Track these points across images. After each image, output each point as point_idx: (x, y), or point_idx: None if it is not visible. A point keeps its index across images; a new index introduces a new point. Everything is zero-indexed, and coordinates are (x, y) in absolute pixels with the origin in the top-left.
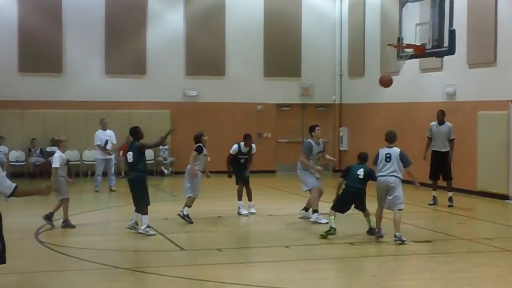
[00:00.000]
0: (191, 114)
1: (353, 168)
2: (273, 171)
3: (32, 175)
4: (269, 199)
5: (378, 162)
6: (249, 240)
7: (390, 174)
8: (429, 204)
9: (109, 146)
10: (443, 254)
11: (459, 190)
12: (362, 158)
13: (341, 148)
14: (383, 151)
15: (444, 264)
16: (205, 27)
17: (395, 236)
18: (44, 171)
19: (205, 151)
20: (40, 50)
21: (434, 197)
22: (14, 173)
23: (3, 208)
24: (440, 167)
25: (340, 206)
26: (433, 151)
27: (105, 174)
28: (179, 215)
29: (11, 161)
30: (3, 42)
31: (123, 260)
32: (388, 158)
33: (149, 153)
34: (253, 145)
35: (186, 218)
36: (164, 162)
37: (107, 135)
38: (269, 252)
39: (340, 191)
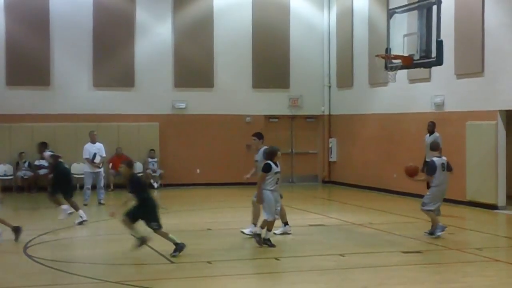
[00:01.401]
0: (180, 126)
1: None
2: None
3: (20, 189)
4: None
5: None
6: (239, 252)
7: None
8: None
9: (97, 159)
10: (433, 264)
11: (448, 200)
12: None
13: (330, 159)
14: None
15: (434, 274)
16: (194, 38)
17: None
18: (32, 185)
19: (276, 169)
20: (28, 63)
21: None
22: (2, 187)
23: None
24: None
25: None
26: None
27: (94, 187)
28: (265, 240)
29: None
30: None
31: (112, 273)
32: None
33: (138, 166)
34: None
35: (268, 242)
36: (153, 174)
37: (96, 148)
38: (259, 264)
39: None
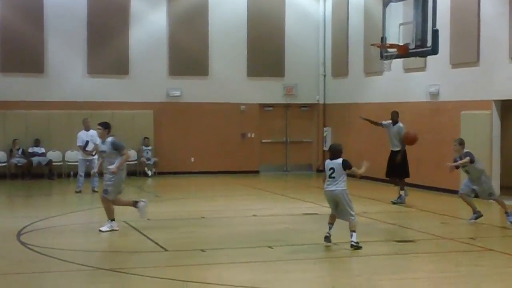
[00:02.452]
0: (174, 114)
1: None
2: (257, 172)
3: (14, 176)
4: (253, 199)
5: None
6: (233, 240)
7: None
8: (393, 202)
9: (90, 147)
10: (426, 254)
11: (443, 190)
12: None
13: (325, 149)
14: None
15: (427, 264)
16: (189, 27)
17: None
18: (26, 172)
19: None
20: (22, 50)
21: (400, 195)
22: None
23: None
24: (394, 165)
25: None
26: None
27: (88, 175)
28: (353, 245)
29: None
30: None
31: (105, 261)
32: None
33: (132, 154)
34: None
35: (359, 244)
36: (148, 162)
37: (89, 136)
38: (252, 252)
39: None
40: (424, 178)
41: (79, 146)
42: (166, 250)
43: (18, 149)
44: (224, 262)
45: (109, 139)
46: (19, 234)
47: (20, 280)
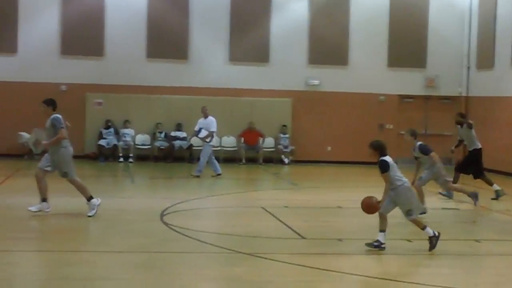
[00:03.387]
0: (312, 103)
1: None
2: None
3: (157, 158)
4: None
5: None
6: (369, 231)
7: None
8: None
9: (201, 134)
10: None
11: None
12: None
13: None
14: None
15: None
16: (329, 15)
17: None
18: (168, 155)
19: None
20: (167, 37)
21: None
22: (140, 156)
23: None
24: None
25: None
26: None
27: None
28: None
29: (137, 145)
30: (133, 30)
31: (244, 245)
32: None
33: (269, 141)
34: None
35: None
36: (284, 150)
37: (204, 123)
38: (390, 245)
39: None
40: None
41: (194, 131)
42: (303, 237)
43: (160, 133)
44: (361, 252)
45: (52, 116)
46: (162, 214)
47: (163, 258)
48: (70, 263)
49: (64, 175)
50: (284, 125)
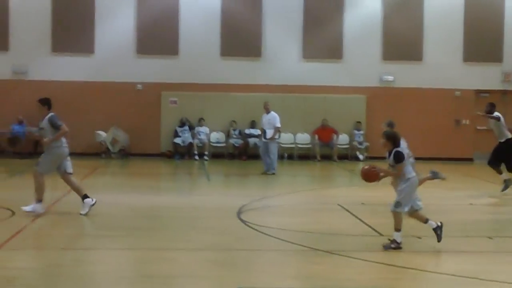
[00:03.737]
0: (386, 99)
1: None
2: (471, 159)
3: (232, 156)
4: (467, 188)
5: None
6: (450, 229)
7: None
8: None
9: (268, 135)
10: None
11: None
12: None
13: None
14: None
15: None
16: (403, 10)
17: None
18: (242, 152)
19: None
20: (241, 35)
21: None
22: (215, 154)
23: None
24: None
25: None
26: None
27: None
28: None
29: (212, 142)
30: (207, 28)
31: (322, 242)
32: None
33: (344, 138)
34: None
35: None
36: (359, 147)
37: (267, 119)
38: (470, 242)
39: None
40: None
41: (261, 129)
42: (381, 235)
43: (235, 130)
44: (442, 250)
45: (48, 116)
46: (239, 212)
47: (242, 256)
48: (151, 260)
49: (37, 164)
50: (359, 122)
